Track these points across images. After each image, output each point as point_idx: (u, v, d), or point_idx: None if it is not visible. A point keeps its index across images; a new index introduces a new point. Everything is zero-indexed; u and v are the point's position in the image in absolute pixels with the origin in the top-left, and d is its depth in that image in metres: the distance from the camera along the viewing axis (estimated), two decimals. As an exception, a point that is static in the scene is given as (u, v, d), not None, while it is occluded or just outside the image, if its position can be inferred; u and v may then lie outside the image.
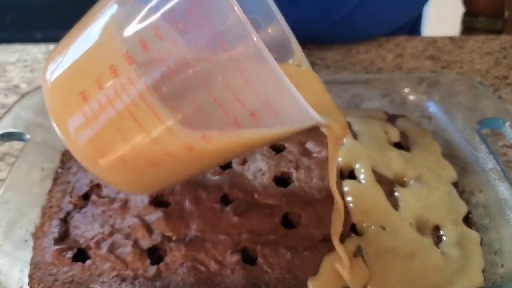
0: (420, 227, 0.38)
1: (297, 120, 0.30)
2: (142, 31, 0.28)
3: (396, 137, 0.47)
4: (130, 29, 0.29)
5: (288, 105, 0.27)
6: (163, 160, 0.31)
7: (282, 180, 0.42)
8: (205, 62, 0.27)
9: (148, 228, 0.38)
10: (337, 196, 0.34)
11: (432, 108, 0.52)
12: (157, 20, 0.28)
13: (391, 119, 0.51)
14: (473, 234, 0.38)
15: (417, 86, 0.54)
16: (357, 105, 0.55)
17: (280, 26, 0.38)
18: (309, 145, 0.45)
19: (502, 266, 0.37)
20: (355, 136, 0.46)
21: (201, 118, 0.29)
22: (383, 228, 0.38)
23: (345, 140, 0.45)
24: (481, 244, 0.39)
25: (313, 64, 0.69)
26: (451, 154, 0.47)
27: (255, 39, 0.25)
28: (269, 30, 0.38)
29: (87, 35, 0.31)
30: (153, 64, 0.28)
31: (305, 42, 0.74)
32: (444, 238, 0.38)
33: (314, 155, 0.44)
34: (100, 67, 0.30)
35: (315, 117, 0.28)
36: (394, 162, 0.43)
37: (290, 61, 0.39)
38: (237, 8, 0.25)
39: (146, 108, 0.29)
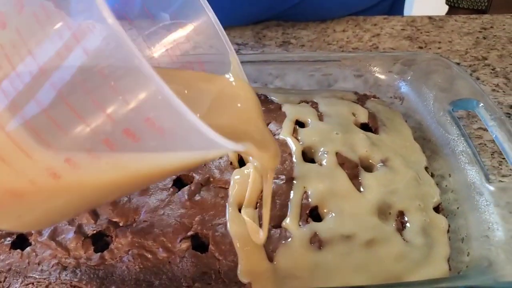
0: (383, 213, 0.36)
1: (197, 144, 0.22)
2: None
3: (364, 119, 0.44)
4: None
5: (175, 122, 0.21)
6: (27, 190, 0.24)
7: (240, 164, 0.40)
8: (57, 60, 0.21)
9: (94, 213, 0.35)
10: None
11: (405, 88, 0.50)
12: None
13: (361, 99, 0.48)
14: (441, 220, 0.37)
15: (391, 66, 0.52)
16: (330, 85, 0.53)
17: (219, 36, 0.32)
18: (271, 127, 0.42)
19: (468, 255, 0.35)
20: (321, 117, 0.43)
21: (60, 136, 0.22)
22: (343, 214, 0.36)
23: (309, 120, 0.43)
24: (448, 231, 0.37)
25: (287, 43, 0.67)
26: (422, 136, 0.45)
27: (110, 21, 0.18)
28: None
29: None
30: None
31: (279, 18, 0.72)
32: (408, 225, 0.36)
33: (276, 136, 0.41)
34: None
35: (219, 141, 0.20)
36: (359, 145, 0.40)
37: (227, 76, 0.34)
38: None
39: None
